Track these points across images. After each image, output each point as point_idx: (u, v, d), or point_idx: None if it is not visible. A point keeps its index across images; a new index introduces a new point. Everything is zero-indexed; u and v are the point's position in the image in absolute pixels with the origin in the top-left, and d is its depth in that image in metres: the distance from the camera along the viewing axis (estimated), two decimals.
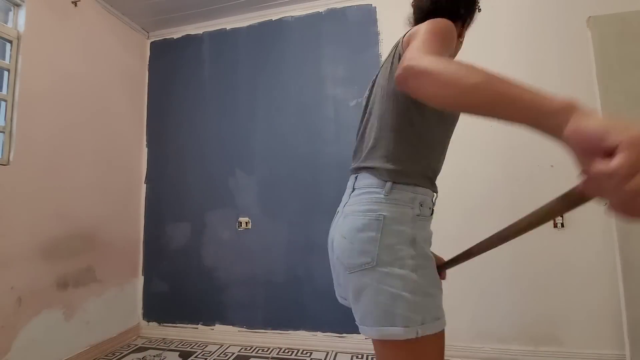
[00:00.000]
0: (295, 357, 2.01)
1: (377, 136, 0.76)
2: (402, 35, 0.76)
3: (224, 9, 2.42)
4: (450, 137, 0.81)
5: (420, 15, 0.85)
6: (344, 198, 0.82)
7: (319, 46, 2.34)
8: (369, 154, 0.77)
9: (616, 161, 0.29)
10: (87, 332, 2.03)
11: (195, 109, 2.54)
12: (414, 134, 0.73)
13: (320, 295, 2.15)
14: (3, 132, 1.71)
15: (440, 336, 0.67)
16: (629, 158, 0.28)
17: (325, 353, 2.05)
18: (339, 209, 0.82)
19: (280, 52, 2.40)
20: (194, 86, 2.56)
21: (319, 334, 2.12)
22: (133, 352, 2.16)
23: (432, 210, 0.76)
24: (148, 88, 2.66)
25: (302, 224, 2.22)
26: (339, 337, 2.09)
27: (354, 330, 2.07)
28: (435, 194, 0.79)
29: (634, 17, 1.75)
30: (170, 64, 2.63)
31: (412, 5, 0.89)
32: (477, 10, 0.88)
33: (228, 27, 2.54)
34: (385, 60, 0.80)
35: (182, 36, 2.63)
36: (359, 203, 0.73)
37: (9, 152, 1.71)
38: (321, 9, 2.36)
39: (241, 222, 2.33)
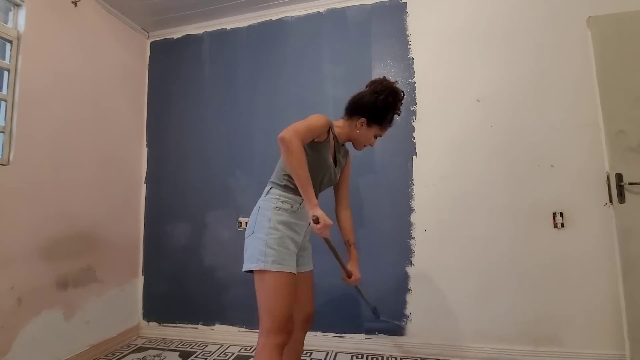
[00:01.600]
0: None
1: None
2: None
3: (224, 9, 2.42)
4: (318, 175, 1.32)
5: (354, 108, 1.36)
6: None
7: (319, 46, 2.34)
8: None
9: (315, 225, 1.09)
10: (87, 332, 2.03)
11: (195, 109, 2.54)
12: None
13: (320, 295, 2.15)
14: (3, 132, 1.71)
15: (280, 277, 1.12)
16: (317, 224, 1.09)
17: (325, 353, 2.05)
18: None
19: (280, 52, 2.40)
20: (194, 86, 2.56)
21: (319, 334, 2.12)
22: (133, 352, 2.16)
23: (298, 207, 1.25)
24: (148, 88, 2.66)
25: None
26: (339, 337, 2.09)
27: (354, 330, 2.07)
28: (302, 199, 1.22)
29: (634, 17, 1.76)
30: (170, 64, 2.63)
31: (352, 102, 1.38)
32: (394, 116, 1.37)
33: (228, 27, 2.54)
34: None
35: (182, 36, 2.63)
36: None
37: (9, 152, 1.71)
38: (321, 9, 2.36)
39: (241, 222, 2.33)
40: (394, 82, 1.34)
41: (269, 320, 1.11)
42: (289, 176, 1.23)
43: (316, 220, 1.07)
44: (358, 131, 1.33)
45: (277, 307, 1.10)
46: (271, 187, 1.28)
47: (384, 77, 1.36)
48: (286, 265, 1.13)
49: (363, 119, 1.31)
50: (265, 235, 1.15)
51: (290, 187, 1.24)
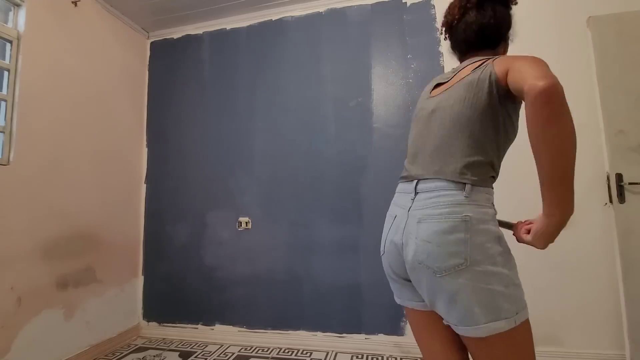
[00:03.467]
0: (295, 357, 2.01)
1: (457, 149, 0.79)
2: (476, 60, 0.85)
3: (224, 9, 2.42)
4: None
5: (467, 47, 0.92)
6: (405, 203, 0.84)
7: (319, 46, 2.34)
8: (445, 166, 0.79)
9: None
10: (87, 332, 2.03)
11: (195, 109, 2.54)
12: (496, 145, 0.80)
13: (320, 295, 2.15)
14: (3, 132, 1.71)
15: (528, 321, 0.74)
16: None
17: (325, 353, 2.05)
18: (397, 212, 0.86)
19: (280, 52, 2.40)
20: (194, 86, 2.56)
21: (319, 334, 2.12)
22: (133, 352, 2.15)
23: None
24: (148, 88, 2.66)
25: (302, 224, 2.22)
26: (339, 337, 2.09)
27: (354, 330, 2.07)
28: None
29: (634, 17, 1.76)
30: (170, 64, 2.63)
31: (457, 40, 0.94)
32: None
33: (228, 27, 2.54)
34: (467, 74, 0.82)
35: (182, 36, 2.63)
36: (434, 204, 0.76)
37: (9, 152, 1.71)
38: (321, 9, 2.36)
39: (241, 222, 2.33)
40: None
41: None
42: (496, 158, 0.79)
43: (553, 235, 0.70)
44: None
45: None
46: (469, 182, 0.75)
47: None
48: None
49: (505, 44, 0.94)
50: (507, 268, 0.72)
51: (493, 178, 0.81)
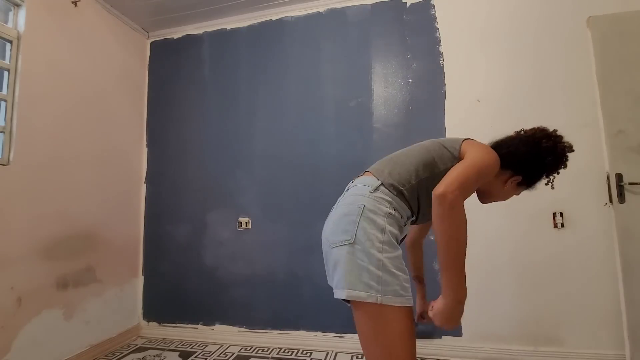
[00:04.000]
0: (295, 357, 2.01)
1: (402, 171, 0.96)
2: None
3: (224, 9, 2.42)
4: None
5: (510, 160, 1.02)
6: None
7: (319, 46, 2.34)
8: (389, 176, 0.95)
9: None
10: (87, 332, 2.03)
11: (195, 109, 2.54)
12: (426, 187, 0.93)
13: (320, 295, 2.15)
14: (3, 132, 1.71)
15: (404, 312, 0.82)
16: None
17: (325, 353, 2.05)
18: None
19: (280, 52, 2.40)
20: (194, 86, 2.56)
21: (319, 334, 2.12)
22: (133, 352, 2.15)
23: (405, 222, 0.94)
24: (148, 88, 2.66)
25: (302, 223, 2.22)
26: (339, 337, 2.09)
27: (354, 330, 2.06)
28: (413, 216, 0.98)
29: (634, 17, 1.76)
30: (170, 64, 2.63)
31: (507, 151, 1.02)
32: (561, 167, 1.04)
33: (228, 27, 2.53)
34: (438, 142, 1.02)
35: (182, 36, 2.63)
36: (348, 197, 0.97)
37: (9, 152, 1.71)
38: (321, 9, 2.36)
39: (241, 222, 2.33)
40: (563, 139, 1.05)
41: None
42: (413, 184, 0.93)
43: (451, 314, 0.83)
44: (505, 186, 1.04)
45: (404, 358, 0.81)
46: (380, 185, 0.92)
47: (552, 130, 1.06)
48: (409, 297, 0.84)
49: (518, 177, 1.02)
50: (380, 252, 0.82)
51: (405, 195, 0.92)
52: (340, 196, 1.05)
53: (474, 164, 0.87)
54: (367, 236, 0.84)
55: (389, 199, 0.90)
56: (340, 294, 0.86)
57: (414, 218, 0.97)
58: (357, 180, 1.00)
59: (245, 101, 2.43)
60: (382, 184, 0.92)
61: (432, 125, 2.08)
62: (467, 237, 0.81)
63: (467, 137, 1.02)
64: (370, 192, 0.91)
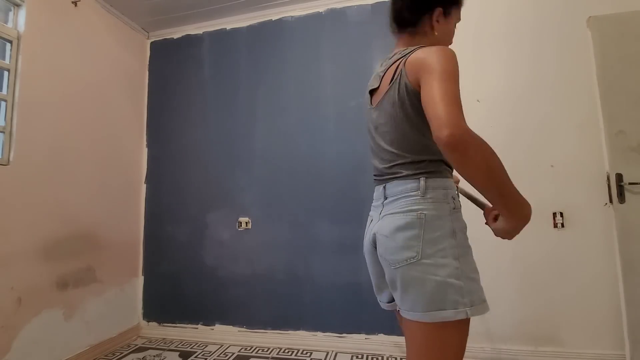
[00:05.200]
0: (295, 357, 2.01)
1: (399, 152, 0.83)
2: (398, 57, 0.84)
3: (224, 9, 2.42)
4: None
5: (392, 29, 0.93)
6: (378, 207, 0.89)
7: (319, 46, 2.34)
8: (393, 167, 0.84)
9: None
10: (87, 332, 2.03)
11: (196, 109, 2.54)
12: (428, 141, 0.81)
13: (320, 295, 2.15)
14: (3, 132, 1.71)
15: (468, 324, 0.75)
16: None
17: (325, 353, 2.05)
18: (372, 214, 0.91)
19: (280, 52, 2.40)
20: (194, 86, 2.56)
21: (319, 334, 2.12)
22: (133, 352, 2.16)
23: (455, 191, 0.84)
24: (148, 88, 2.66)
25: (302, 223, 2.22)
26: (339, 337, 2.09)
27: (354, 330, 2.07)
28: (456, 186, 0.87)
29: (634, 17, 1.76)
30: (170, 64, 2.63)
31: (395, 9, 0.91)
32: None
33: (228, 27, 2.53)
34: (387, 87, 0.84)
35: (182, 36, 2.63)
36: (398, 207, 0.81)
37: (9, 152, 1.71)
38: (321, 9, 2.36)
39: (241, 222, 2.33)
40: None
41: None
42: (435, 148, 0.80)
43: (519, 230, 0.74)
44: (436, 32, 0.89)
45: None
46: (422, 176, 0.79)
47: None
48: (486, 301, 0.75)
49: (439, 9, 0.87)
50: (456, 260, 0.74)
51: (447, 166, 0.83)
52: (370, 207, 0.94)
53: (441, 80, 0.69)
54: (436, 246, 0.74)
55: (442, 188, 0.79)
56: (421, 317, 0.73)
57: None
58: (394, 189, 0.83)
59: (246, 101, 2.43)
60: (423, 178, 0.79)
61: None
62: (496, 155, 0.67)
63: (392, 60, 0.85)
64: (422, 195, 0.78)
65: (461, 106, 0.67)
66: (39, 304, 1.78)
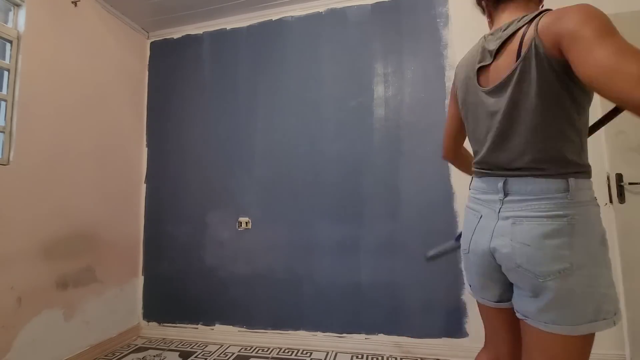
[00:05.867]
0: (295, 357, 2.01)
1: (540, 141, 0.74)
2: (513, 28, 0.74)
3: (224, 9, 2.42)
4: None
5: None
6: (491, 203, 0.81)
7: (319, 46, 2.34)
8: (526, 161, 0.74)
9: None
10: (87, 332, 2.03)
11: (195, 109, 2.54)
12: (577, 131, 0.76)
13: (320, 295, 2.15)
14: (3, 132, 1.71)
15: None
16: None
17: (325, 353, 2.05)
18: (482, 209, 0.83)
19: (281, 52, 2.40)
20: (194, 86, 2.56)
21: (319, 334, 2.12)
22: (133, 352, 2.16)
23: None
24: (148, 88, 2.66)
25: (302, 223, 2.22)
26: (339, 337, 2.09)
27: (354, 330, 2.07)
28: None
29: (634, 17, 1.76)
30: (170, 64, 2.63)
31: None
32: None
33: (228, 27, 2.54)
34: (514, 65, 0.72)
35: (182, 36, 2.63)
36: (537, 209, 0.72)
37: (9, 152, 1.71)
38: (321, 9, 2.36)
39: (241, 222, 2.33)
40: None
41: None
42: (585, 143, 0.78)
43: None
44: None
45: None
46: (571, 176, 0.73)
47: None
48: None
49: None
50: (608, 268, 0.70)
51: (585, 166, 0.78)
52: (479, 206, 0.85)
53: (607, 35, 0.57)
54: (589, 255, 0.68)
55: (588, 188, 0.73)
56: (568, 330, 0.70)
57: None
58: (526, 186, 0.74)
59: (246, 101, 2.43)
60: (572, 178, 0.71)
61: (432, 125, 2.08)
62: None
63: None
64: (571, 199, 0.70)
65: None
66: (39, 303, 1.78)
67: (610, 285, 0.69)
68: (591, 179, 0.76)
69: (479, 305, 0.94)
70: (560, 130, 0.73)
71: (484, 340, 0.97)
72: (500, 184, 0.78)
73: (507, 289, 0.83)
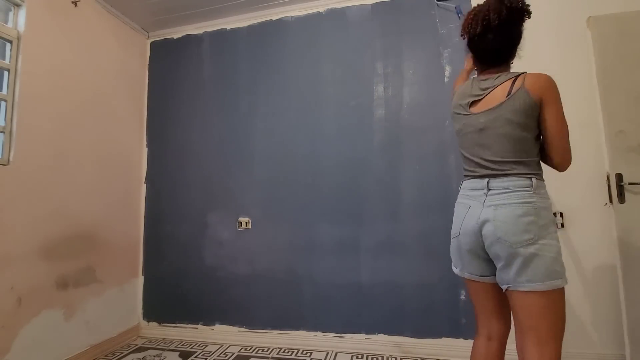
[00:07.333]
0: (295, 357, 2.01)
1: (513, 151, 1.05)
2: (504, 78, 1.09)
3: (224, 9, 2.42)
4: None
5: (487, 63, 1.16)
6: (477, 197, 1.08)
7: (319, 46, 2.34)
8: (504, 165, 1.05)
9: None
10: (87, 332, 2.03)
11: (195, 108, 2.54)
12: (537, 147, 1.08)
13: (320, 295, 2.15)
14: (3, 132, 1.71)
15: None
16: None
17: (325, 353, 2.05)
18: (470, 202, 1.11)
19: (280, 52, 2.40)
20: (194, 86, 2.56)
21: (319, 334, 2.12)
22: (133, 352, 2.16)
23: None
24: (148, 88, 2.66)
25: (302, 223, 2.22)
26: (339, 337, 2.09)
27: (354, 330, 2.07)
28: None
29: (634, 17, 1.76)
30: (170, 64, 2.63)
31: (477, 55, 1.17)
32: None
33: (228, 27, 2.54)
34: (504, 99, 1.06)
35: (182, 36, 2.63)
36: (512, 198, 1.02)
37: (9, 152, 1.71)
38: (321, 9, 2.36)
39: (241, 222, 2.33)
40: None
41: (559, 346, 1.07)
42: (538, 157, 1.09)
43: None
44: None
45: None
46: (534, 177, 1.03)
47: None
48: None
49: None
50: (558, 241, 1.01)
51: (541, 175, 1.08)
52: (469, 196, 1.12)
53: (560, 112, 1.08)
54: (546, 230, 0.98)
55: (544, 187, 1.04)
56: (539, 286, 0.96)
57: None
58: (502, 183, 1.04)
59: (245, 101, 2.43)
60: (534, 178, 1.02)
61: (432, 126, 2.08)
62: None
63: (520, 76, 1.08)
64: (534, 191, 1.01)
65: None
66: (39, 304, 1.78)
67: (559, 252, 0.99)
68: (544, 181, 1.06)
69: (467, 282, 1.18)
70: (528, 145, 1.05)
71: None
72: (485, 182, 1.07)
73: (489, 266, 1.09)
